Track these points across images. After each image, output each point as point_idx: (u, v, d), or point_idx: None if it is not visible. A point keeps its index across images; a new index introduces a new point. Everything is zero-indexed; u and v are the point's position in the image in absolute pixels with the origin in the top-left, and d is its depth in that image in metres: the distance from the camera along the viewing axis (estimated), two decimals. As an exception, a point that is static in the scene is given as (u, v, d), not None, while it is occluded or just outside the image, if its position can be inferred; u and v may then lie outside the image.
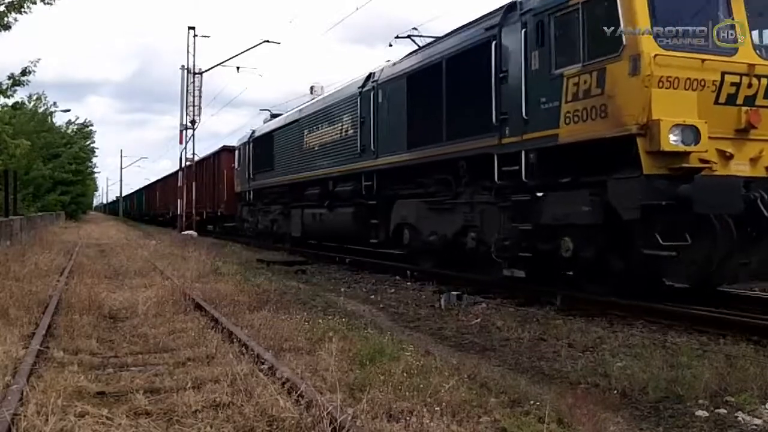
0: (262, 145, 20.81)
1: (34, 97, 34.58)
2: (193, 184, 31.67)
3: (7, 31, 12.57)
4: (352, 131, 13.72)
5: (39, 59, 14.77)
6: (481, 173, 9.71)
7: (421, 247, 11.91)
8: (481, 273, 10.33)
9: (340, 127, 14.44)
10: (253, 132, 22.49)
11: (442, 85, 10.41)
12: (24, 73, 14.38)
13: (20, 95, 20.40)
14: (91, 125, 47.72)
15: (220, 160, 28.18)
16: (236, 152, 24.61)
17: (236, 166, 24.28)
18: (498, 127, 8.98)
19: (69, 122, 43.61)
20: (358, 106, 13.43)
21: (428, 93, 10.87)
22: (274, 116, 22.17)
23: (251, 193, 22.33)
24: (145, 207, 58.68)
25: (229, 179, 25.87)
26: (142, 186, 68.14)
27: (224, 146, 27.99)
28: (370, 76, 13.28)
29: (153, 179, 60.12)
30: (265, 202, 21.16)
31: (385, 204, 12.91)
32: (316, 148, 15.89)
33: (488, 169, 9.23)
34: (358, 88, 13.56)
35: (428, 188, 11.37)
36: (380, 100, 12.59)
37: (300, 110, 17.93)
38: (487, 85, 9.18)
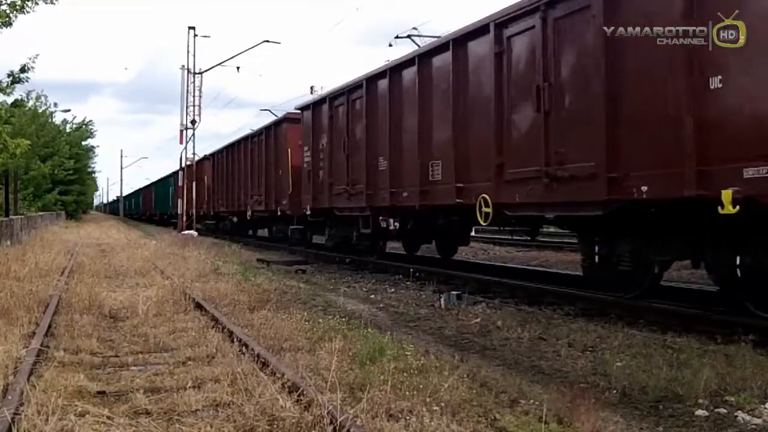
0: None
1: (34, 97, 34.49)
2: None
3: (8, 28, 12.55)
4: None
5: (37, 55, 14.74)
6: None
7: None
8: None
9: None
10: None
11: None
12: (23, 70, 14.38)
13: (19, 93, 20.39)
14: (92, 124, 47.34)
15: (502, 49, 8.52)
16: None
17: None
18: None
19: (64, 121, 43.12)
20: None
21: None
22: None
23: None
24: (173, 204, 36.96)
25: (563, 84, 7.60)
26: (168, 173, 43.60)
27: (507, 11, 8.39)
28: None
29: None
30: None
31: None
32: None
33: None
34: None
35: None
36: None
37: None
38: None
